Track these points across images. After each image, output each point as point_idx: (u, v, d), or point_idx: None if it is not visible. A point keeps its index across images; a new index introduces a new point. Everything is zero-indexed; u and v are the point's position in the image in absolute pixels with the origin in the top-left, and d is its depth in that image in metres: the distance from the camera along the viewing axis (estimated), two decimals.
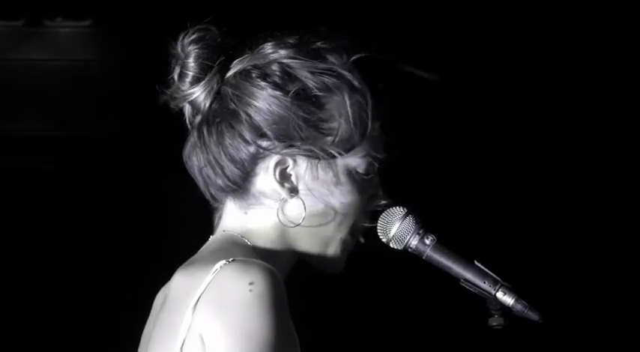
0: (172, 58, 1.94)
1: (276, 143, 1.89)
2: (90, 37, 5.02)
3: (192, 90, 1.93)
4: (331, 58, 1.94)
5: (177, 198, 2.01)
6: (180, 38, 1.94)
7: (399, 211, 1.97)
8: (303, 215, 1.91)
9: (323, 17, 4.55)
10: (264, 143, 1.89)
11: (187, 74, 1.93)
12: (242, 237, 1.92)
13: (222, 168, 1.92)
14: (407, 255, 1.98)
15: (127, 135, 4.65)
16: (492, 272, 1.93)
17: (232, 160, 1.91)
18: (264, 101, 1.89)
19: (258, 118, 1.89)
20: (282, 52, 1.93)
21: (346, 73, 1.92)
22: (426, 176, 4.70)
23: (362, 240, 1.98)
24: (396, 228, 1.96)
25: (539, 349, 3.92)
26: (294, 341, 1.79)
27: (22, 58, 5.00)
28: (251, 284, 1.72)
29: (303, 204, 1.91)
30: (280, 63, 1.92)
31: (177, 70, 1.93)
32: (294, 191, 1.91)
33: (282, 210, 1.91)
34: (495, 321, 1.91)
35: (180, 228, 2.03)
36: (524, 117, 4.88)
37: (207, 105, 1.92)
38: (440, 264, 1.95)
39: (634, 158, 4.85)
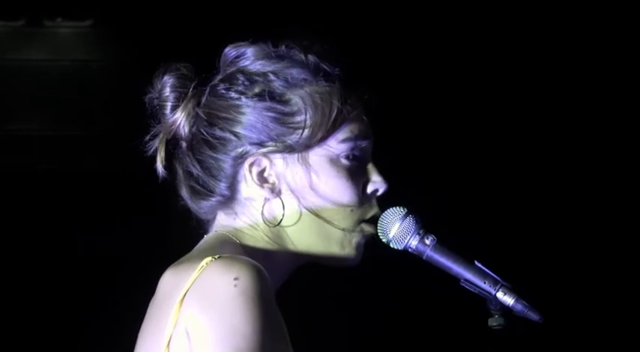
0: (150, 99, 1.99)
1: (248, 147, 1.92)
2: (90, 37, 5.02)
3: (173, 119, 1.97)
4: (292, 54, 1.96)
5: (178, 199, 2.00)
6: (154, 77, 1.98)
7: (399, 211, 1.97)
8: (282, 214, 1.92)
9: (319, 18, 4.55)
10: (239, 149, 1.93)
11: (165, 105, 1.97)
12: (232, 235, 1.93)
13: (207, 186, 1.96)
14: (407, 255, 1.98)
15: (127, 135, 4.64)
16: (492, 272, 1.92)
17: (215, 175, 1.95)
18: (231, 110, 1.93)
19: (229, 128, 1.93)
20: (243, 59, 1.97)
21: (309, 65, 1.94)
22: (426, 176, 4.70)
23: (370, 230, 1.97)
24: (397, 228, 1.96)
25: (539, 349, 3.91)
26: (283, 337, 1.79)
27: (22, 58, 4.99)
28: (236, 279, 1.72)
29: (282, 203, 1.92)
30: (242, 70, 1.96)
31: (156, 105, 1.98)
32: (275, 191, 1.92)
33: (267, 211, 1.93)
34: (495, 321, 1.91)
35: (181, 228, 2.02)
36: (524, 117, 4.87)
37: (187, 130, 1.97)
38: (440, 265, 1.95)
39: (634, 158, 4.85)
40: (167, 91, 1.97)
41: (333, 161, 1.93)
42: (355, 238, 1.95)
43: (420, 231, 1.96)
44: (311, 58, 1.95)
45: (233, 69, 1.97)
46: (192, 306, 1.74)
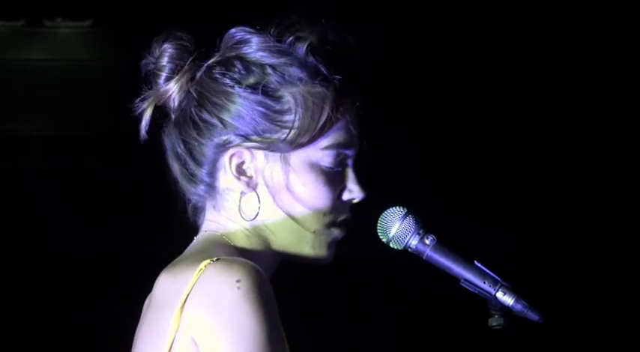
0: (145, 63, 1.97)
1: (233, 136, 1.90)
2: (90, 37, 5.02)
3: (165, 89, 1.94)
4: (296, 50, 1.92)
5: (177, 198, 2.00)
6: (155, 41, 1.96)
7: (399, 211, 1.97)
8: (258, 207, 1.90)
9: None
10: (223, 137, 1.90)
11: (160, 75, 1.95)
12: (222, 236, 1.92)
13: (190, 169, 1.94)
14: (407, 255, 1.97)
15: (127, 135, 4.65)
16: (492, 272, 1.92)
17: (196, 159, 1.93)
18: (222, 96, 1.90)
19: (217, 114, 1.90)
20: (245, 46, 1.93)
21: (308, 65, 1.91)
22: (427, 176, 4.70)
23: (339, 233, 1.95)
24: (396, 228, 1.95)
25: (539, 349, 3.91)
26: (282, 335, 1.79)
27: (22, 58, 5.00)
28: (238, 281, 1.72)
29: (258, 198, 1.90)
30: (241, 58, 1.92)
31: (151, 71, 1.96)
32: (251, 185, 1.91)
33: (243, 204, 1.91)
34: (495, 321, 1.91)
35: (181, 228, 2.02)
36: (524, 117, 4.88)
37: (177, 104, 1.94)
38: (440, 264, 1.94)
39: (633, 159, 4.85)
40: (164, 61, 1.94)
41: (313, 165, 1.91)
42: (325, 239, 1.94)
43: (420, 231, 1.96)
44: (311, 58, 1.91)
45: (232, 54, 1.93)
46: (196, 312, 1.73)
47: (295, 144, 1.89)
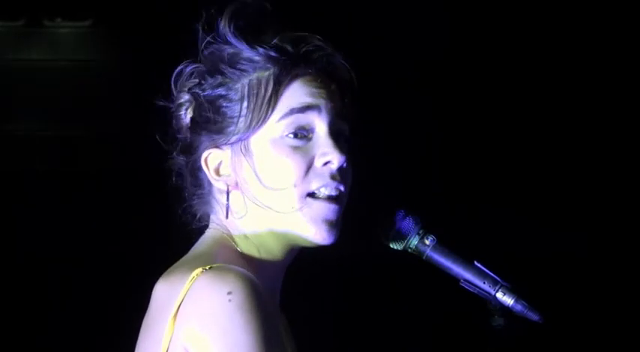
0: (168, 104, 2.03)
1: (206, 142, 1.96)
2: (90, 37, 5.02)
3: (181, 125, 2.02)
4: (242, 41, 1.96)
5: (178, 198, 2.01)
6: (176, 80, 2.02)
7: (398, 212, 1.97)
8: (226, 205, 1.93)
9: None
10: (202, 146, 1.97)
11: (180, 115, 2.01)
12: (228, 236, 1.93)
13: (192, 188, 2.00)
14: (407, 255, 1.97)
15: (127, 135, 4.65)
16: (492, 272, 1.92)
17: (194, 174, 1.99)
18: (194, 108, 1.98)
19: (192, 126, 1.98)
20: (209, 58, 1.99)
21: (258, 51, 1.94)
22: (427, 176, 4.70)
23: (325, 205, 1.93)
24: (396, 228, 1.96)
25: (539, 349, 3.91)
26: (280, 342, 1.79)
27: (22, 58, 4.99)
28: (229, 293, 1.73)
29: (227, 194, 1.93)
30: (209, 70, 1.98)
31: (172, 110, 2.03)
32: (230, 182, 1.94)
33: (229, 203, 1.94)
34: (495, 321, 1.91)
35: (182, 227, 2.03)
36: (524, 114, 4.88)
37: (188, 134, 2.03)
38: (440, 265, 1.95)
39: (634, 158, 4.85)
40: (182, 99, 2.01)
41: (275, 141, 1.92)
42: (310, 215, 1.92)
43: (420, 231, 1.96)
44: (252, 43, 1.96)
45: (204, 70, 1.99)
46: (188, 322, 1.75)
47: (250, 129, 1.92)
